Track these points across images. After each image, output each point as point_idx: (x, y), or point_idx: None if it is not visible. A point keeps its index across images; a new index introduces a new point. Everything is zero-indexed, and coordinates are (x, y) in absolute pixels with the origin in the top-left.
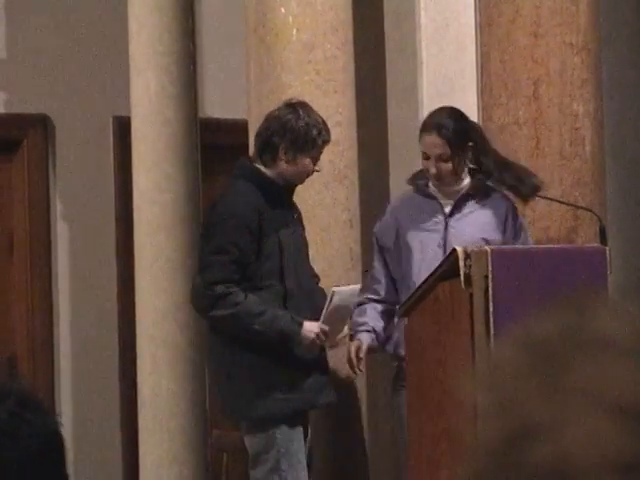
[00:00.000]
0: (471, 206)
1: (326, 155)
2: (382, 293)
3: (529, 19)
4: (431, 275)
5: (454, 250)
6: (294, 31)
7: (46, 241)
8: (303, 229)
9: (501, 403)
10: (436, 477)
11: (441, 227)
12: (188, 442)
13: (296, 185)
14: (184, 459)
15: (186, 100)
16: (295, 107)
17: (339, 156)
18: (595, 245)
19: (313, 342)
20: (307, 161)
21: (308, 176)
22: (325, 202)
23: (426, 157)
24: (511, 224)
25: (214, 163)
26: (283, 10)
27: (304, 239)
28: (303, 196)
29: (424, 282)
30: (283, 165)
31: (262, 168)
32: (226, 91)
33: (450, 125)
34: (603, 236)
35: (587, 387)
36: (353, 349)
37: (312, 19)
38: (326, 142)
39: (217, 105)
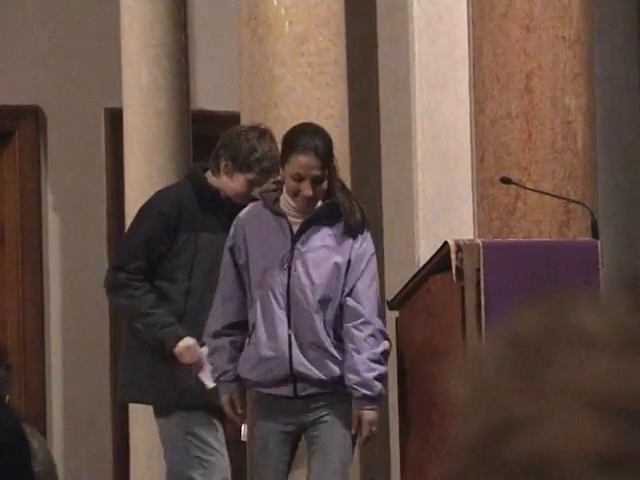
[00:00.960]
0: (319, 227)
1: None
2: (234, 317)
3: (521, 12)
4: (422, 268)
5: (445, 243)
6: (286, 23)
7: (37, 233)
8: None
9: (481, 398)
10: (427, 471)
11: (288, 246)
12: None
13: (239, 203)
14: None
15: (178, 92)
16: (254, 130)
17: None
18: (587, 239)
19: (185, 361)
20: (243, 181)
21: (247, 197)
22: None
23: (299, 178)
24: (355, 249)
25: (206, 155)
26: (275, 2)
27: None
28: None
29: (415, 275)
30: (224, 177)
31: (209, 174)
32: (218, 83)
33: (324, 145)
34: (595, 230)
35: (568, 382)
36: (230, 409)
37: (304, 11)
38: (264, 172)
39: (209, 97)
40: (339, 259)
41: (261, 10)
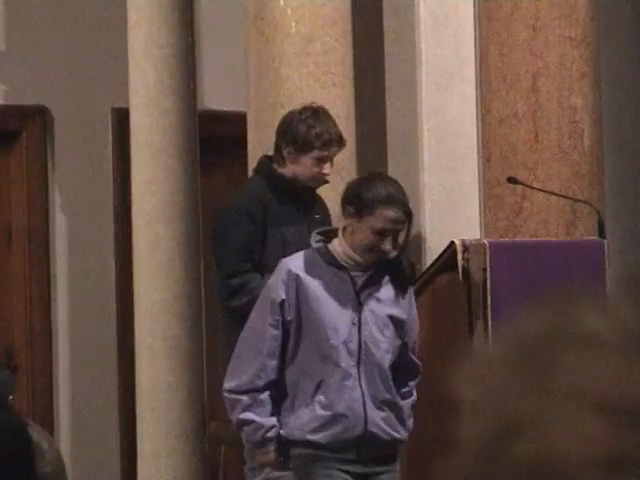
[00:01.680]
0: (380, 280)
1: None
2: (274, 375)
3: (528, 12)
4: (429, 268)
5: (452, 243)
6: (293, 23)
7: (44, 233)
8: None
9: (488, 399)
10: (433, 469)
11: (353, 300)
12: (186, 434)
13: (314, 186)
14: (181, 450)
15: (185, 92)
16: (306, 110)
17: None
18: (593, 238)
19: None
20: (308, 162)
21: (317, 178)
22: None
23: (383, 233)
24: (412, 303)
25: (213, 155)
26: (282, 2)
27: None
28: None
29: (422, 275)
30: (291, 166)
31: (275, 166)
32: (225, 83)
33: (405, 197)
34: (601, 229)
35: (574, 385)
36: (275, 464)
37: (311, 11)
38: (327, 145)
39: (216, 97)
40: (401, 314)
41: (268, 10)
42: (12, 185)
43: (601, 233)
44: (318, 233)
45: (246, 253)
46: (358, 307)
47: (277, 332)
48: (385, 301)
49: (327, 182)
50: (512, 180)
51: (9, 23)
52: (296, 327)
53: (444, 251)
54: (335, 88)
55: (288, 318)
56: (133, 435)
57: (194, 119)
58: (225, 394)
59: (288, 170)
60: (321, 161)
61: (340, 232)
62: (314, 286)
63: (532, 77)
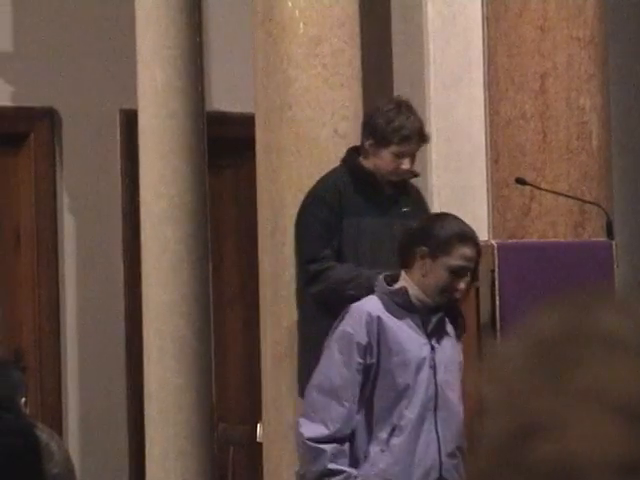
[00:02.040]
0: (445, 323)
1: (332, 149)
2: (354, 421)
3: (536, 13)
4: None
5: None
6: (301, 25)
7: (52, 234)
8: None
9: (505, 400)
10: None
11: (426, 343)
12: (194, 435)
13: (403, 180)
14: (190, 452)
15: (193, 93)
16: (389, 103)
17: (345, 149)
18: (601, 239)
19: None
20: (387, 156)
21: (397, 172)
22: None
23: (460, 273)
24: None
25: (221, 156)
26: (290, 4)
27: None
28: (309, 189)
29: None
30: (372, 158)
31: (361, 157)
32: (233, 84)
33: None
34: (610, 230)
35: (592, 386)
36: None
37: (319, 13)
38: (405, 141)
39: (224, 98)
40: (461, 358)
41: (275, 12)
42: (20, 187)
43: (609, 234)
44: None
45: (325, 240)
46: (431, 350)
47: (360, 377)
48: (451, 344)
49: (415, 175)
50: (520, 181)
51: (17, 24)
52: (374, 371)
53: None
54: (343, 89)
55: (369, 362)
56: (141, 436)
57: (202, 120)
58: (306, 442)
59: (370, 162)
60: (399, 156)
61: (404, 275)
62: (393, 329)
63: (540, 78)
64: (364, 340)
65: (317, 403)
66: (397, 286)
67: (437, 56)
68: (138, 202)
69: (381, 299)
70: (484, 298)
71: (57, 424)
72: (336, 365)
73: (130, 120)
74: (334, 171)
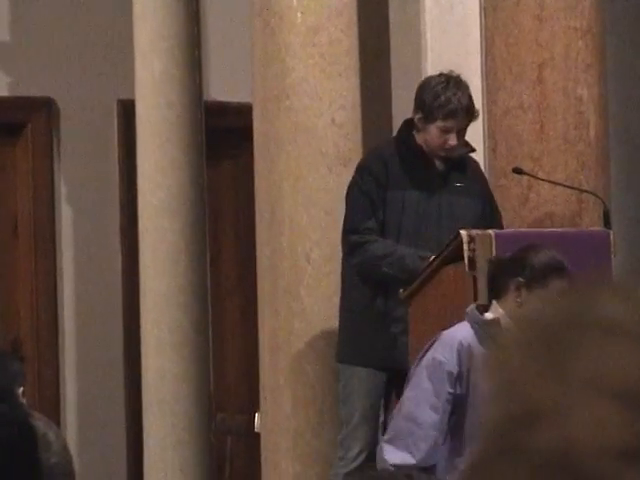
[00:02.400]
0: None
1: (330, 138)
2: (434, 460)
3: (533, 2)
4: (435, 258)
5: (458, 233)
6: (298, 14)
7: (50, 225)
8: (469, 200)
9: (506, 387)
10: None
11: None
12: (192, 425)
13: (460, 156)
14: (188, 442)
15: (190, 83)
16: (440, 77)
17: (343, 139)
18: (599, 229)
19: None
20: (433, 131)
21: (444, 147)
22: (329, 186)
23: None
24: None
25: (218, 146)
26: None
27: (454, 209)
28: (307, 179)
29: (428, 266)
30: (421, 132)
31: (414, 132)
32: (230, 74)
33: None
34: (607, 220)
35: (592, 372)
36: None
37: (316, 2)
38: (450, 116)
39: (221, 88)
40: None
41: (273, 1)
42: (18, 177)
43: (607, 224)
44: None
45: (368, 211)
46: None
47: (449, 407)
48: None
49: (471, 151)
50: (517, 171)
51: (15, 15)
52: (463, 401)
53: (450, 242)
54: (341, 79)
55: (458, 392)
56: (139, 426)
57: (200, 110)
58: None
59: (420, 137)
60: (445, 131)
61: (496, 305)
62: (479, 359)
63: (538, 68)
64: (455, 370)
65: (403, 430)
66: (489, 316)
67: (435, 46)
68: (136, 192)
69: (473, 328)
70: (482, 287)
71: (55, 414)
72: (425, 394)
73: (128, 110)
74: (385, 143)
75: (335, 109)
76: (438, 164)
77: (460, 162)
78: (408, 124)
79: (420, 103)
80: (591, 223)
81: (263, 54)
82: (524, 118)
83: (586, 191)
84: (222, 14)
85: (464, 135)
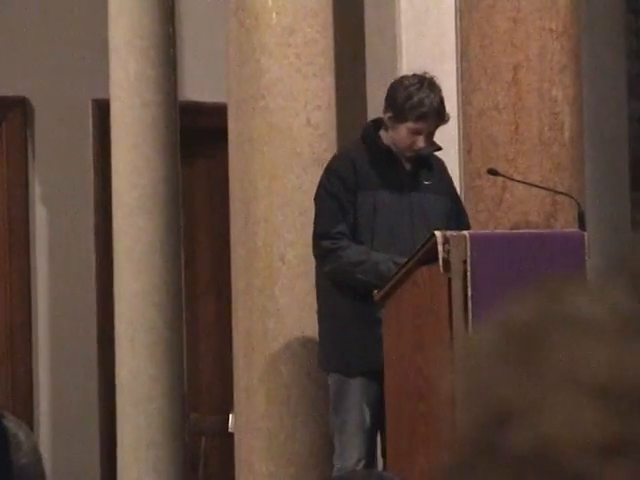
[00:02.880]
0: None
1: (305, 139)
2: None
3: (509, 4)
4: (409, 260)
5: (433, 234)
6: (274, 14)
7: (25, 224)
8: (438, 198)
9: (478, 388)
10: (414, 462)
11: None
12: (166, 425)
13: (409, 156)
14: (162, 442)
15: (165, 83)
16: (414, 77)
17: (318, 140)
18: (574, 230)
19: None
20: (403, 131)
21: (412, 148)
22: (304, 186)
23: None
24: None
25: (193, 146)
26: None
27: (425, 207)
28: (282, 180)
29: (402, 267)
30: (390, 131)
31: (382, 131)
32: (206, 74)
33: None
34: (582, 221)
35: (565, 369)
36: None
37: (292, 3)
38: (422, 118)
39: (196, 88)
40: None
41: (248, 1)
42: None
43: (581, 225)
44: None
45: (338, 215)
46: None
47: None
48: None
49: (437, 149)
50: (492, 172)
51: None
52: None
53: (425, 243)
54: (316, 79)
55: None
56: (113, 426)
57: (175, 110)
58: None
59: (388, 135)
60: (415, 133)
61: None
62: None
63: (513, 69)
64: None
65: None
66: None
67: (410, 47)
68: (110, 192)
69: None
70: (456, 289)
71: (28, 414)
72: None
73: (102, 110)
74: (351, 144)
75: (310, 109)
76: (405, 163)
77: (427, 160)
78: (375, 123)
79: (392, 102)
80: (566, 224)
81: (238, 54)
82: (499, 119)
83: (561, 192)
84: (197, 14)
85: (433, 137)
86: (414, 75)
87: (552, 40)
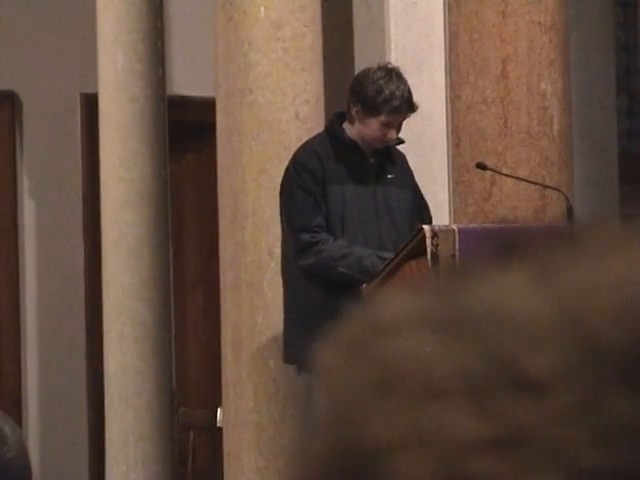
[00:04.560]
0: None
1: (294, 133)
2: None
3: None
4: (398, 254)
5: (421, 228)
6: (262, 9)
7: (13, 218)
8: (401, 192)
9: (331, 406)
10: None
11: None
12: (154, 420)
13: (387, 147)
14: (150, 436)
15: (153, 77)
16: (380, 70)
17: (307, 134)
18: (562, 223)
19: None
20: (374, 124)
21: (383, 140)
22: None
23: None
24: None
25: (181, 140)
26: None
27: (389, 201)
28: (270, 174)
29: (390, 261)
30: (357, 124)
31: (346, 124)
32: (194, 68)
33: None
34: (570, 215)
35: (382, 372)
36: None
37: None
38: (394, 112)
39: (184, 82)
40: None
41: None
42: None
43: (570, 219)
44: None
45: (314, 208)
46: None
47: None
48: None
49: (400, 142)
50: (481, 166)
51: None
52: None
53: (413, 237)
54: (304, 73)
55: None
56: (101, 420)
57: (163, 104)
58: None
59: (355, 129)
60: (387, 126)
61: None
62: None
63: (501, 63)
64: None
65: None
66: None
67: (399, 41)
68: (98, 186)
69: None
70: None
71: (16, 408)
72: None
73: (90, 104)
74: (315, 137)
75: (299, 104)
76: (370, 157)
77: (389, 154)
78: (339, 117)
79: (361, 96)
80: (554, 218)
81: (226, 48)
82: (488, 113)
83: (549, 187)
84: (185, 8)
85: (400, 127)
86: (379, 67)
87: (541, 34)
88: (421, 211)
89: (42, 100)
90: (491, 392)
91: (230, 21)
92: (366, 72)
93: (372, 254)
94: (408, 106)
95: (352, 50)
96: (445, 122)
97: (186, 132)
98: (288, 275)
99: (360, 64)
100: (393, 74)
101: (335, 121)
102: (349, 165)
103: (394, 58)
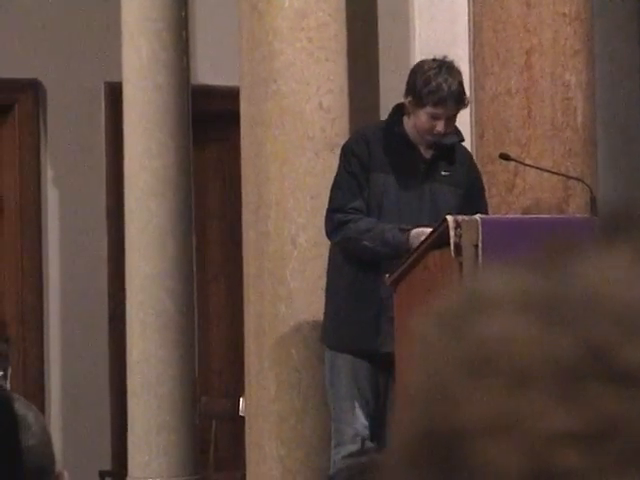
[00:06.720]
0: None
1: (317, 123)
2: None
3: None
4: (421, 244)
5: (445, 219)
6: None
7: (36, 206)
8: (453, 189)
9: (419, 383)
10: None
11: None
12: (177, 408)
13: (431, 141)
14: (172, 426)
15: (178, 66)
16: (433, 62)
17: (330, 124)
18: (585, 216)
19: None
20: (423, 116)
21: (432, 133)
22: (316, 170)
23: None
24: None
25: (205, 130)
26: None
27: (437, 197)
28: (294, 164)
29: (414, 251)
30: (411, 116)
31: (405, 116)
32: (218, 58)
33: None
34: (593, 206)
35: (481, 351)
36: None
37: None
38: (440, 104)
39: (209, 72)
40: None
41: None
42: (4, 159)
43: (593, 210)
44: None
45: (355, 191)
46: None
47: None
48: None
49: (460, 140)
50: (504, 156)
51: None
52: None
53: (436, 227)
54: (328, 63)
55: None
56: (124, 409)
57: (187, 93)
58: None
59: (410, 120)
60: (434, 118)
61: None
62: None
63: (526, 54)
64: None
65: None
66: None
67: (423, 31)
68: (122, 175)
69: None
70: (468, 273)
71: (39, 396)
72: None
73: (115, 92)
74: (373, 125)
75: (322, 93)
76: (425, 151)
77: (449, 151)
78: (399, 108)
79: (411, 87)
80: (578, 210)
81: (251, 38)
82: (512, 104)
83: (573, 177)
84: None
85: (454, 122)
86: (434, 60)
87: (565, 25)
88: (476, 213)
89: (66, 89)
90: (583, 381)
91: (254, 10)
92: (420, 64)
93: (394, 227)
94: (455, 99)
95: (376, 40)
96: (469, 113)
97: (210, 121)
98: (331, 257)
99: (384, 54)
100: (444, 67)
101: (395, 112)
102: (398, 156)
103: (418, 48)
